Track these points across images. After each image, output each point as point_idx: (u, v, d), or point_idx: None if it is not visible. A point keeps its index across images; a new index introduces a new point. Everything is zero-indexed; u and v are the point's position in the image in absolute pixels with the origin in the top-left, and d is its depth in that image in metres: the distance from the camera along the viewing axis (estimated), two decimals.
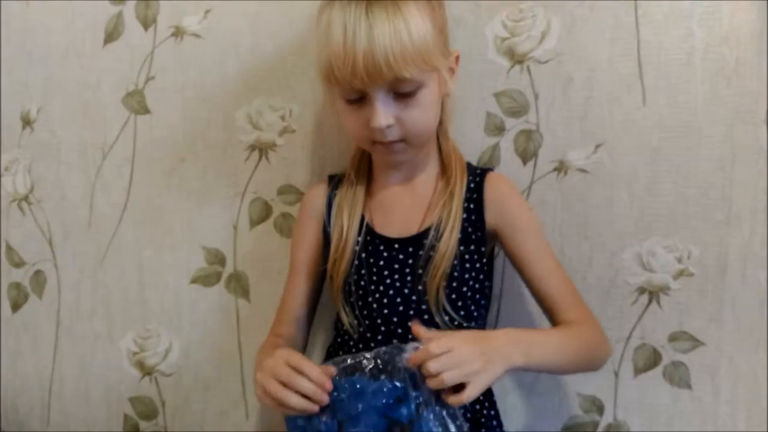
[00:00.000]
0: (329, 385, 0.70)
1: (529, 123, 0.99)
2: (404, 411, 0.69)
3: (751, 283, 0.96)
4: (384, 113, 0.77)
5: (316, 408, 0.70)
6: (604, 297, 0.99)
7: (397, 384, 0.69)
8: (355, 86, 0.76)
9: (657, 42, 0.94)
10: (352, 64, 0.73)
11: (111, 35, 1.10)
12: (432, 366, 0.67)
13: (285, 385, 0.70)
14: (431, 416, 0.69)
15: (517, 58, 0.98)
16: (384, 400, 0.70)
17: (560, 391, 1.03)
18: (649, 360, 1.00)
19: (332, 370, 0.71)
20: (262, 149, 1.07)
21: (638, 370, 1.00)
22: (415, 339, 0.72)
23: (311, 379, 0.70)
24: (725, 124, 0.94)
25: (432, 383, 0.68)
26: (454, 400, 0.68)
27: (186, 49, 1.07)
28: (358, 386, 0.70)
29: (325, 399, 0.70)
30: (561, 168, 0.99)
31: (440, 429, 0.69)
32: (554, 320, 0.85)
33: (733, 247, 0.95)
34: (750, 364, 0.97)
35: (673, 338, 0.99)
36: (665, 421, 1.00)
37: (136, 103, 1.10)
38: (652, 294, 0.98)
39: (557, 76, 0.97)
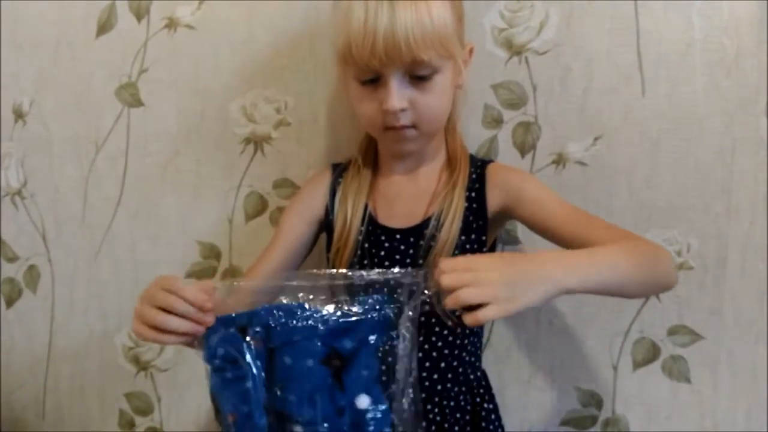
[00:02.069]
0: (209, 305, 0.65)
1: (528, 115, 0.98)
2: (347, 344, 0.66)
3: (751, 275, 0.95)
4: (398, 96, 0.77)
5: (201, 329, 0.66)
6: None
7: (351, 311, 0.66)
8: (372, 66, 0.76)
9: (656, 32, 0.93)
10: (372, 44, 0.73)
11: (104, 27, 1.08)
12: (444, 280, 0.61)
13: (164, 310, 0.65)
14: (370, 353, 0.66)
15: (515, 50, 0.96)
16: (329, 328, 0.66)
17: (559, 386, 1.03)
18: (648, 354, 0.99)
19: (211, 285, 0.67)
20: (257, 142, 1.05)
21: (637, 364, 1.00)
22: None
23: (188, 300, 0.65)
24: (725, 115, 0.93)
25: (448, 301, 0.62)
26: (470, 319, 0.62)
27: (179, 40, 1.06)
28: (300, 312, 0.66)
29: (209, 320, 0.66)
30: (559, 160, 0.98)
31: (370, 371, 0.66)
32: None
33: (733, 239, 0.95)
34: (750, 358, 0.97)
35: (673, 332, 0.98)
36: (664, 415, 1.00)
37: (130, 95, 1.09)
38: None
39: (556, 67, 0.96)
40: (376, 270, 0.68)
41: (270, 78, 1.04)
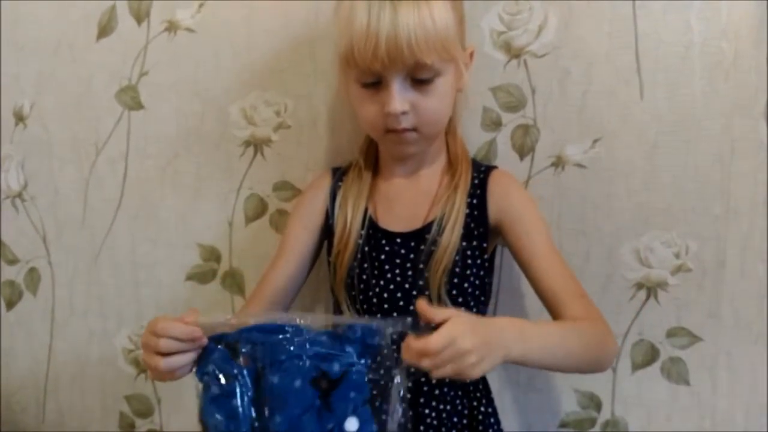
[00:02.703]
0: (198, 333, 0.68)
1: (526, 118, 0.98)
2: (335, 367, 0.68)
3: (750, 277, 0.95)
4: (400, 98, 0.77)
5: (198, 351, 0.69)
6: (602, 292, 0.98)
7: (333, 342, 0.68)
8: (374, 69, 0.76)
9: (655, 35, 0.93)
10: (374, 46, 0.73)
11: (104, 30, 1.08)
12: (426, 363, 0.63)
13: (166, 352, 0.68)
14: (355, 377, 0.68)
15: (513, 52, 0.97)
16: (317, 349, 0.68)
17: (558, 388, 1.03)
18: (647, 356, 0.99)
19: (194, 313, 0.69)
20: (257, 145, 1.06)
21: (636, 366, 1.00)
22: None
23: (177, 338, 0.68)
24: (724, 117, 0.93)
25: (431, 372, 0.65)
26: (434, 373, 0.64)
27: (180, 43, 1.06)
28: (290, 330, 0.68)
29: (203, 341, 0.69)
30: (558, 163, 0.98)
31: (358, 394, 0.68)
32: (557, 316, 0.81)
33: (732, 241, 0.95)
34: (748, 360, 0.97)
35: (671, 334, 0.98)
36: (663, 417, 1.00)
37: (130, 98, 1.09)
38: (650, 289, 0.98)
39: (554, 70, 0.96)
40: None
41: (270, 81, 1.04)
